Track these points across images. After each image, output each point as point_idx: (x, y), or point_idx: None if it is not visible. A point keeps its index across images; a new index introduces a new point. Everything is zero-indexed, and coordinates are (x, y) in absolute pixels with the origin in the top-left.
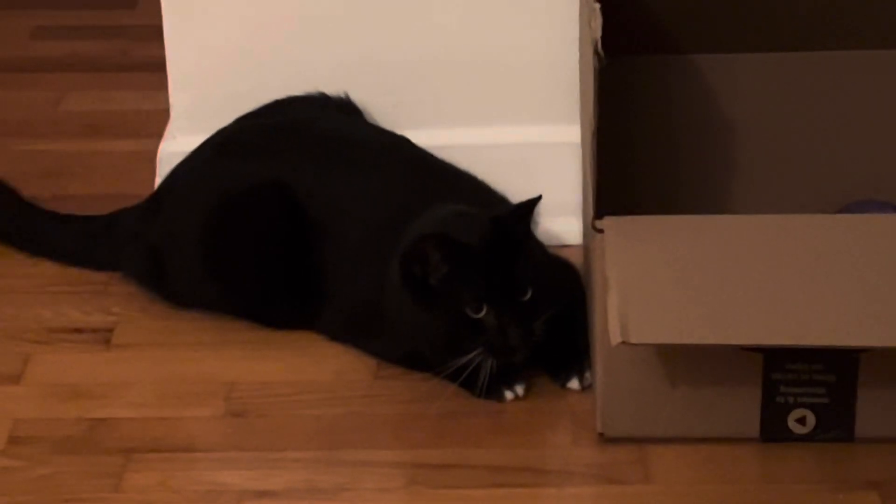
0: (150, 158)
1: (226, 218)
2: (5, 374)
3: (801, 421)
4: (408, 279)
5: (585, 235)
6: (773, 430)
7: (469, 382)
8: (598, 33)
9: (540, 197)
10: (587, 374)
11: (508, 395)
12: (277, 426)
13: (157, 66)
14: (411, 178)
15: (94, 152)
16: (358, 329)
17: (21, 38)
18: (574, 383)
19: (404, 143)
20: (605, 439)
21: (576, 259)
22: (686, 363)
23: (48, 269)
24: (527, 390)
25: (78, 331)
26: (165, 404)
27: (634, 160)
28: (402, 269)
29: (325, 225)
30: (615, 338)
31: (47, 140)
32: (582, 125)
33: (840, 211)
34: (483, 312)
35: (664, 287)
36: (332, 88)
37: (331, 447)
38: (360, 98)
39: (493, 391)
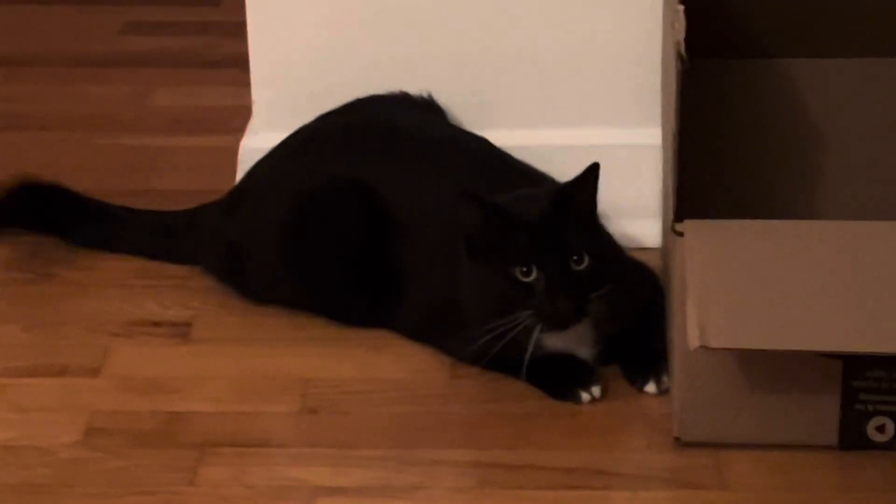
0: (233, 154)
1: (305, 215)
2: (85, 367)
3: (881, 429)
4: (466, 240)
5: (665, 238)
6: (851, 439)
7: (529, 370)
8: (682, 35)
9: (597, 165)
10: (664, 378)
11: (584, 396)
12: (352, 423)
13: (242, 63)
14: (489, 179)
15: (177, 147)
16: (433, 327)
17: (110, 33)
18: (651, 387)
19: (484, 143)
20: (681, 444)
21: (654, 262)
22: (764, 369)
23: (129, 264)
24: (603, 393)
25: (157, 324)
26: (242, 399)
27: (718, 164)
28: (462, 233)
29: (402, 223)
30: (694, 342)
31: (132, 135)
32: (664, 128)
33: None
34: (533, 276)
35: (744, 291)
36: (415, 88)
37: (405, 445)
38: (442, 97)
39: (568, 393)
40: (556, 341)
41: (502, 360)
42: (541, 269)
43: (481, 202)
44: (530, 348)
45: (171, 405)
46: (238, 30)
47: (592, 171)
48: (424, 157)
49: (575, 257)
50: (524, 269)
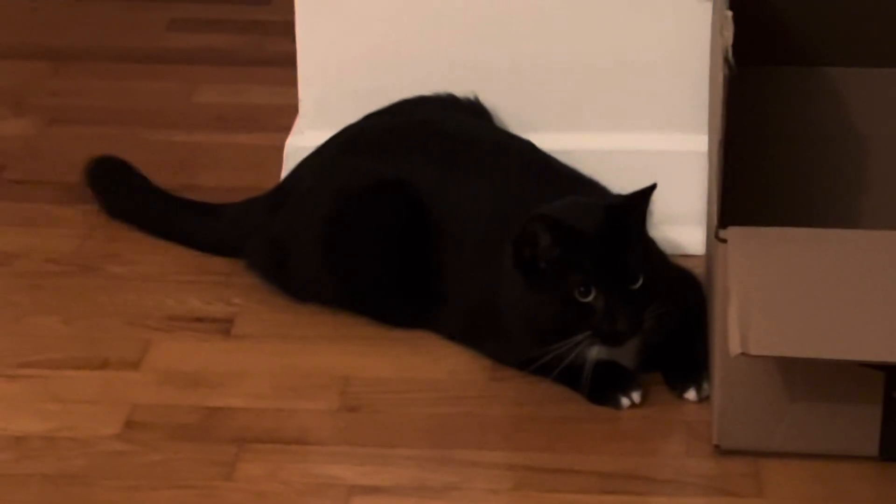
0: (279, 152)
1: (348, 214)
2: (125, 360)
3: None
4: (519, 260)
5: (709, 245)
6: (892, 449)
7: (572, 379)
8: (730, 42)
9: (654, 186)
10: (705, 385)
11: (625, 401)
12: (390, 422)
13: (289, 62)
14: (533, 183)
15: (223, 144)
16: (474, 330)
17: (157, 29)
18: (691, 394)
19: (528, 146)
20: (720, 451)
21: (698, 269)
22: (805, 377)
23: (173, 258)
24: (643, 398)
25: (199, 320)
26: (281, 396)
27: (763, 171)
28: (514, 250)
29: (445, 225)
30: (735, 348)
31: (179, 131)
32: (710, 134)
33: None
34: (592, 296)
35: (786, 299)
36: (462, 90)
37: (442, 446)
38: (489, 100)
39: (608, 398)
40: (601, 350)
41: (559, 374)
42: (600, 289)
43: (540, 221)
44: (588, 366)
45: (211, 400)
46: (287, 29)
47: (649, 190)
48: (469, 160)
49: (632, 276)
50: (583, 289)
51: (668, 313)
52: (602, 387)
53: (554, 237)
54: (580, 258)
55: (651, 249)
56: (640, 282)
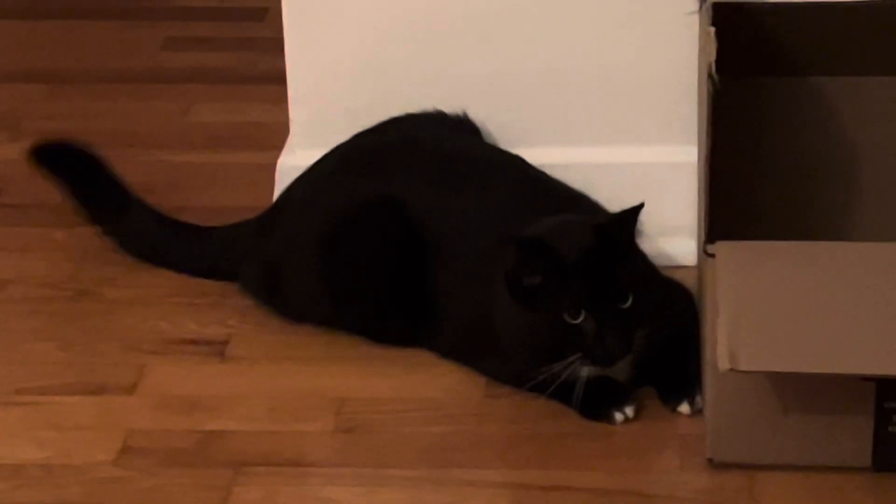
0: (272, 171)
1: (340, 234)
2: (121, 385)
3: None
4: (510, 283)
5: (699, 258)
6: (885, 460)
7: (565, 395)
8: (713, 57)
9: (642, 205)
10: (698, 399)
11: (618, 416)
12: (386, 443)
13: (283, 79)
14: (524, 198)
15: (217, 164)
16: (469, 347)
17: (152, 49)
18: (684, 408)
19: (519, 162)
20: (714, 465)
21: (690, 281)
22: (797, 391)
23: (168, 281)
24: (637, 413)
25: (194, 342)
26: (276, 418)
27: (751, 184)
28: (503, 273)
29: (437, 243)
30: (724, 364)
31: (172, 151)
32: (699, 147)
33: None
34: (581, 318)
35: (776, 314)
36: (452, 106)
37: (438, 465)
38: (478, 116)
39: (602, 413)
40: (594, 368)
41: (553, 391)
42: (589, 311)
43: (524, 244)
44: (580, 386)
45: (207, 424)
46: (281, 46)
47: (636, 209)
48: (459, 177)
49: (621, 296)
50: (572, 311)
51: (660, 328)
52: (596, 402)
53: (539, 260)
54: (568, 280)
55: (641, 265)
56: (630, 301)
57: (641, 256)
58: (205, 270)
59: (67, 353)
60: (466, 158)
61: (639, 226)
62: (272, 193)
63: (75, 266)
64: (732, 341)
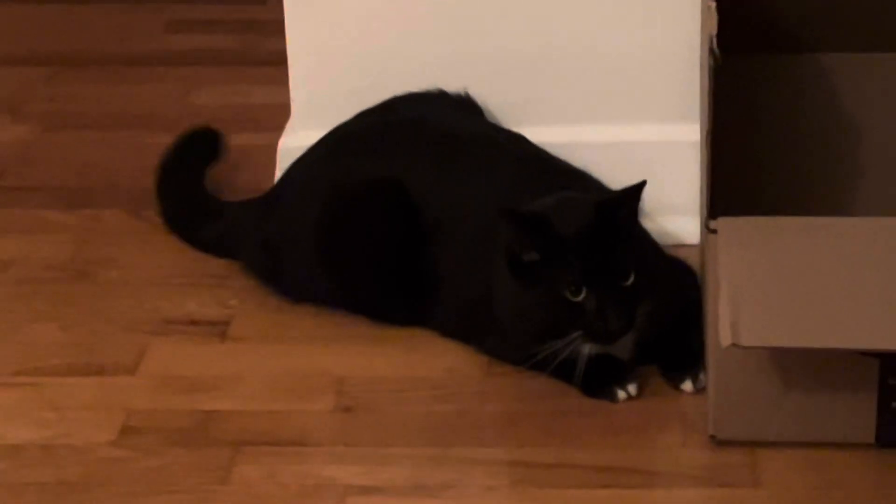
0: (274, 153)
1: (340, 214)
2: (121, 365)
3: None
4: (509, 259)
5: (702, 235)
6: (888, 436)
7: (566, 373)
8: (714, 31)
9: (644, 182)
10: (701, 376)
11: (621, 394)
12: (386, 422)
13: (285, 61)
14: (525, 177)
15: None
16: (469, 326)
17: (155, 31)
18: (687, 385)
19: (520, 140)
20: (717, 442)
21: (694, 259)
22: (800, 367)
23: (168, 262)
24: (640, 390)
25: (194, 323)
26: (276, 398)
27: (753, 160)
28: (504, 250)
29: (438, 221)
30: (725, 340)
31: (174, 133)
32: (701, 124)
33: None
34: (582, 296)
35: (778, 289)
36: (453, 85)
37: (438, 444)
38: (480, 95)
39: (605, 391)
40: (595, 346)
41: (555, 369)
42: (590, 288)
43: (523, 219)
44: (581, 363)
45: (207, 404)
46: (283, 28)
47: (639, 187)
48: (460, 156)
49: (622, 273)
50: (573, 288)
51: (662, 306)
52: (598, 380)
53: (538, 235)
54: (568, 257)
55: (643, 244)
56: (632, 279)
57: (644, 234)
58: (212, 245)
59: (68, 334)
60: (467, 137)
61: (641, 204)
62: (274, 175)
63: (76, 247)
64: (734, 316)
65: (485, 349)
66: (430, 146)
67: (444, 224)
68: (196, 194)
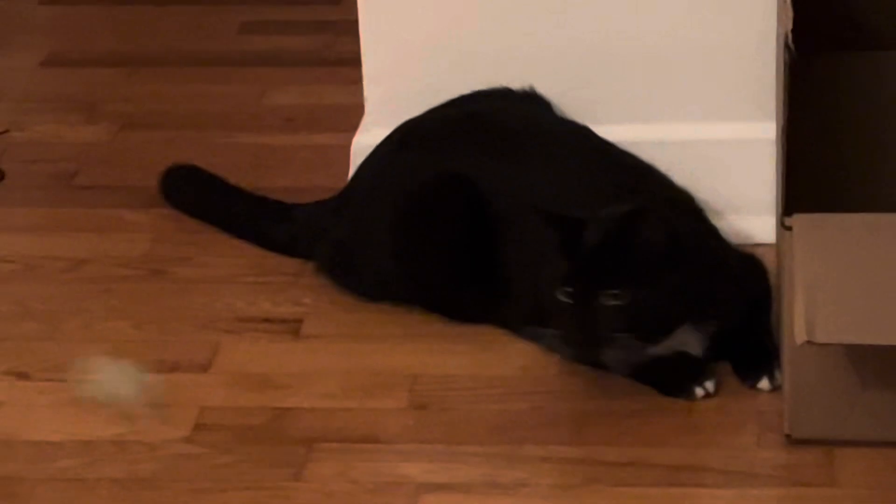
0: (348, 152)
1: (410, 212)
2: (195, 362)
3: None
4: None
5: (777, 233)
6: None
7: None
8: (790, 26)
9: (644, 208)
10: (777, 374)
11: (699, 391)
12: (459, 419)
13: (359, 62)
14: (591, 170)
15: (294, 146)
16: (539, 324)
17: (229, 33)
18: (764, 383)
19: (586, 133)
20: (792, 441)
21: (770, 259)
22: (876, 365)
23: (242, 260)
24: (717, 388)
25: (268, 321)
26: (350, 395)
27: (830, 157)
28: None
29: (506, 217)
30: (801, 337)
31: (249, 133)
32: (777, 122)
33: None
34: (566, 299)
35: (853, 286)
36: (523, 82)
37: (511, 442)
38: (550, 92)
39: (683, 389)
40: (659, 347)
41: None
42: (573, 295)
43: (546, 218)
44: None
45: (280, 401)
46: (356, 29)
47: (640, 212)
48: (525, 149)
49: (611, 291)
50: (561, 289)
51: (733, 301)
52: (675, 379)
53: (553, 231)
54: (567, 259)
55: (672, 270)
56: (623, 300)
57: (711, 231)
58: (284, 246)
59: (142, 332)
60: (533, 131)
61: (712, 203)
62: (348, 174)
63: (150, 246)
64: (810, 313)
65: (546, 345)
66: (496, 140)
67: (513, 220)
68: (251, 200)
